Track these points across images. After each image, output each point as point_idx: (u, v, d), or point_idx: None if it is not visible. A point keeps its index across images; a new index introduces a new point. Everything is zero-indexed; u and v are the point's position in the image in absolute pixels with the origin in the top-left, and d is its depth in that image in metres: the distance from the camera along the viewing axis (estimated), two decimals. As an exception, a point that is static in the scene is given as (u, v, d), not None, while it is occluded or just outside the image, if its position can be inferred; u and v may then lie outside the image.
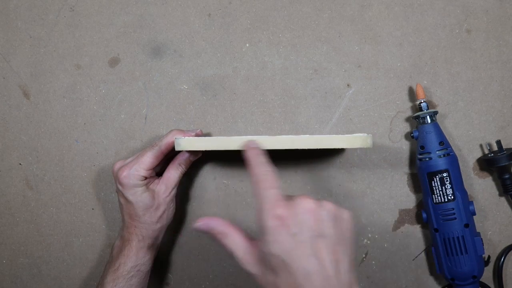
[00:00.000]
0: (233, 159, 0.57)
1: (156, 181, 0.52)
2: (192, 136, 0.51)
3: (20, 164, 0.59)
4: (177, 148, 0.48)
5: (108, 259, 0.52)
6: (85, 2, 0.59)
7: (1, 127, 0.59)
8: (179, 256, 0.58)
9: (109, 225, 0.59)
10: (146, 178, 0.50)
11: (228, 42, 0.58)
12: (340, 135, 0.46)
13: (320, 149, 0.46)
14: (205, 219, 0.41)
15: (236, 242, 0.40)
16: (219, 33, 0.58)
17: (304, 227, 0.36)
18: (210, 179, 0.58)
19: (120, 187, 0.50)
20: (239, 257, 0.39)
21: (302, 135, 0.46)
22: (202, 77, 0.58)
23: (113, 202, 0.58)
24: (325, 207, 0.37)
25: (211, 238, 0.41)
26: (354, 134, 0.46)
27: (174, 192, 0.52)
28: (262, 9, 0.57)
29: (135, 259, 0.50)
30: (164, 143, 0.50)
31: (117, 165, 0.51)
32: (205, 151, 0.51)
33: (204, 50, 0.58)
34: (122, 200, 0.51)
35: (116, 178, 0.50)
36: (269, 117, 0.57)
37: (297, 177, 0.57)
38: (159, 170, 0.53)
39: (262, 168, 0.39)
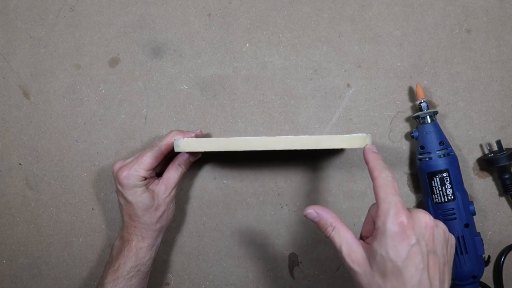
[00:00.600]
0: (233, 159, 0.57)
1: (156, 181, 0.52)
2: (192, 136, 0.51)
3: (20, 164, 0.59)
4: (176, 150, 0.48)
5: (108, 260, 0.52)
6: (85, 2, 0.59)
7: (1, 127, 0.59)
8: (179, 256, 0.58)
9: (109, 225, 0.59)
10: (145, 178, 0.50)
11: (228, 42, 0.58)
12: (339, 135, 0.46)
13: (319, 149, 0.46)
14: (316, 208, 0.42)
15: (345, 238, 0.40)
16: (219, 33, 0.58)
17: (421, 240, 0.37)
18: (210, 179, 0.58)
19: (119, 187, 0.49)
20: (346, 253, 0.39)
21: (301, 136, 0.46)
22: (202, 77, 0.58)
23: (113, 202, 0.58)
24: (440, 226, 0.39)
25: (317, 227, 0.42)
26: (353, 134, 0.46)
27: (174, 192, 0.52)
28: (262, 9, 0.57)
29: (135, 259, 0.50)
30: (164, 144, 0.50)
31: (117, 165, 0.51)
32: (205, 151, 0.51)
33: (204, 50, 0.58)
34: (121, 200, 0.50)
35: (115, 178, 0.50)
36: (269, 117, 0.57)
37: (297, 177, 0.57)
38: (159, 171, 0.53)
39: (387, 173, 0.40)
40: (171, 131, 0.51)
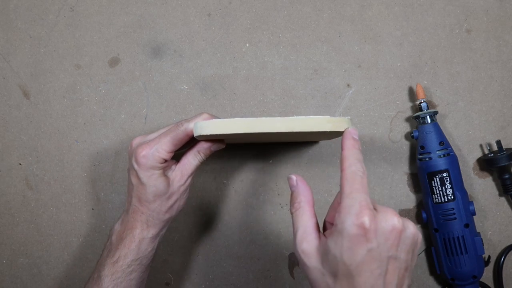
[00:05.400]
0: (233, 159, 0.57)
1: (173, 166, 0.47)
2: None
3: (20, 164, 0.59)
4: (197, 134, 0.42)
5: (106, 244, 0.48)
6: (85, 2, 0.59)
7: (1, 127, 0.59)
8: (179, 256, 0.58)
9: (109, 225, 0.58)
10: (165, 161, 0.45)
11: (228, 42, 0.58)
12: (317, 117, 0.41)
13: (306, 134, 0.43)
14: (300, 180, 0.39)
15: (305, 224, 0.36)
16: (219, 33, 0.58)
17: (383, 245, 0.33)
18: (210, 179, 0.58)
19: (135, 166, 0.44)
20: (298, 240, 0.36)
21: (271, 117, 0.41)
22: (202, 77, 0.58)
23: (113, 202, 0.58)
24: (409, 229, 0.35)
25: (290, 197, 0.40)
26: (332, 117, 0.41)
27: (189, 181, 0.47)
28: (262, 9, 0.57)
29: (137, 251, 0.46)
30: (192, 127, 0.44)
31: (136, 141, 0.46)
32: (229, 142, 0.47)
33: (204, 50, 0.58)
34: (134, 180, 0.45)
35: (132, 155, 0.45)
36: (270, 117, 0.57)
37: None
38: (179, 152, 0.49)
39: (358, 166, 0.36)
40: (202, 112, 0.46)
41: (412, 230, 0.35)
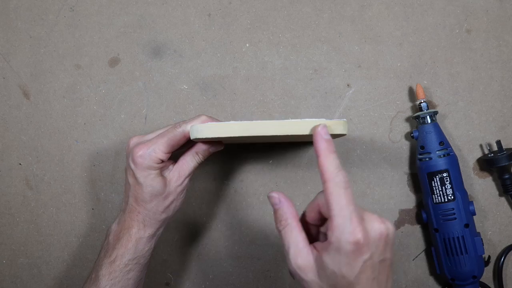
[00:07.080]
0: (232, 159, 0.57)
1: (170, 167, 0.47)
2: None
3: (20, 164, 0.59)
4: (193, 137, 0.43)
5: (103, 244, 0.48)
6: (85, 2, 0.59)
7: (1, 127, 0.59)
8: (179, 256, 0.58)
9: (108, 225, 0.58)
10: (162, 161, 0.45)
11: (228, 42, 0.58)
12: (307, 120, 0.41)
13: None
14: (282, 196, 0.39)
15: (296, 240, 0.37)
16: (219, 33, 0.58)
17: (375, 253, 0.35)
18: (210, 179, 0.58)
19: (132, 166, 0.45)
20: (292, 257, 0.37)
21: (264, 120, 0.41)
22: (202, 77, 0.58)
23: (113, 202, 0.58)
24: (390, 230, 0.37)
25: (273, 215, 0.40)
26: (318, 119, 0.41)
27: (186, 182, 0.48)
28: (262, 9, 0.57)
29: (134, 251, 0.46)
30: (189, 129, 0.45)
31: (134, 141, 0.46)
32: (227, 142, 0.47)
33: (204, 50, 0.58)
34: (131, 180, 0.46)
35: (129, 155, 0.45)
36: (269, 117, 0.57)
37: (297, 177, 0.57)
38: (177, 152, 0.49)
39: (340, 176, 0.36)
40: (201, 114, 0.46)
41: (392, 229, 0.37)
